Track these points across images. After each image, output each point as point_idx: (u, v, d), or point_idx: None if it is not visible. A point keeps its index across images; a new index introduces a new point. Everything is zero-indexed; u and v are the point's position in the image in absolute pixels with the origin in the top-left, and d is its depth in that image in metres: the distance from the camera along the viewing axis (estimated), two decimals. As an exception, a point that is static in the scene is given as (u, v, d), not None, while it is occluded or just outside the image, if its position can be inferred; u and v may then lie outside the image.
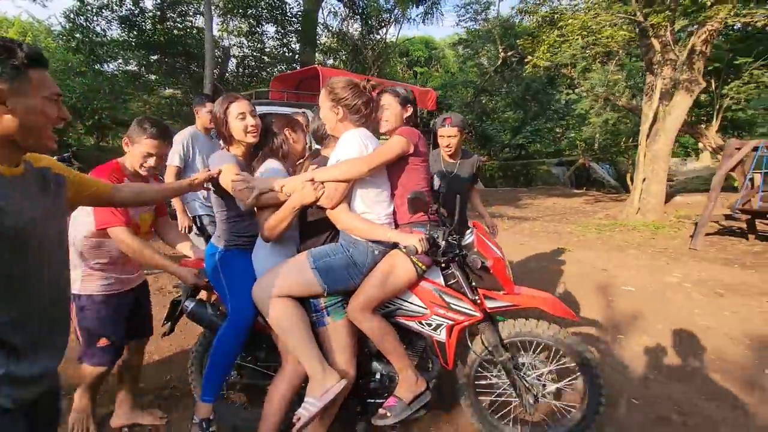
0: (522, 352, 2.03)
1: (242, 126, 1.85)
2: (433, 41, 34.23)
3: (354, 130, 1.78)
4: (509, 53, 15.53)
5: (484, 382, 2.10)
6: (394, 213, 1.88)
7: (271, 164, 1.89)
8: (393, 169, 1.84)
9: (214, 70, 15.33)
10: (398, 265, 1.76)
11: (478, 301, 1.87)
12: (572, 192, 14.91)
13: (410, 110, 2.05)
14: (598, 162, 18.26)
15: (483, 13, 15.74)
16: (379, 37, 14.99)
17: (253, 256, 1.90)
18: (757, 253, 5.87)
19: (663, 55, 7.78)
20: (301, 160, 2.16)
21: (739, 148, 6.10)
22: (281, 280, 1.72)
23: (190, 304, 1.98)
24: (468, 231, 1.98)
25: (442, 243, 1.76)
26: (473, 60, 17.83)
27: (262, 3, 13.41)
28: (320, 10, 13.61)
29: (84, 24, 14.18)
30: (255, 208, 1.79)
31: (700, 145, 14.39)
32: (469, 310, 1.86)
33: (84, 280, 1.92)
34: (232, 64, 16.07)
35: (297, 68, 13.31)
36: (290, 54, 14.06)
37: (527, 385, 1.96)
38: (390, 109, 1.98)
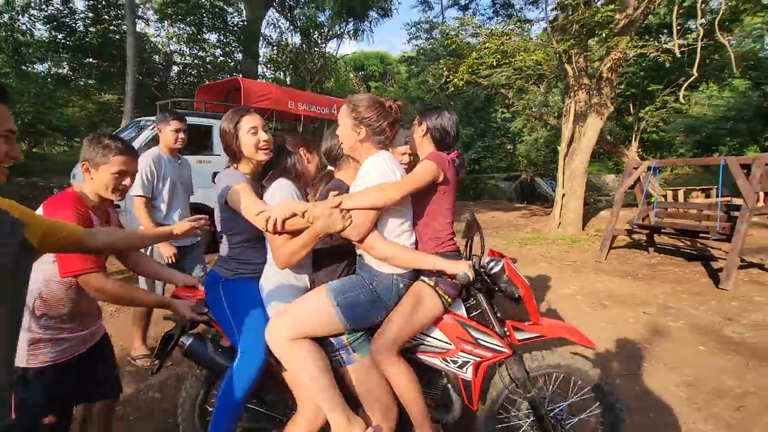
0: (543, 384, 1.89)
1: (254, 141, 1.70)
2: (388, 56, 35.06)
3: (379, 153, 1.64)
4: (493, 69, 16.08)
5: (504, 417, 1.93)
6: (415, 243, 1.73)
7: (283, 183, 1.72)
8: (419, 196, 1.70)
9: (155, 78, 14.81)
10: (425, 297, 1.64)
11: (507, 334, 1.76)
12: (513, 206, 15.56)
13: (423, 128, 1.89)
14: (542, 177, 19.29)
15: (431, 32, 16.31)
16: (322, 50, 15.05)
17: (262, 284, 1.73)
18: (652, 265, 6.36)
19: (577, 80, 8.36)
20: (313, 182, 1.98)
21: (636, 168, 6.62)
22: (299, 319, 1.55)
23: (187, 341, 1.71)
24: (489, 259, 1.83)
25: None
26: (418, 77, 18.39)
27: (203, 10, 13.14)
28: (263, 21, 13.54)
29: (7, 22, 13.22)
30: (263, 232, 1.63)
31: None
32: (498, 346, 1.72)
33: (32, 350, 1.50)
34: (174, 71, 15.53)
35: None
36: (233, 63, 13.84)
37: (553, 421, 1.82)
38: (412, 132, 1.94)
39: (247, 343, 1.60)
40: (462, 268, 1.54)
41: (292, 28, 13.65)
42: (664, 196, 9.69)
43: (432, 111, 1.88)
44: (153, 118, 6.05)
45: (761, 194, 12.68)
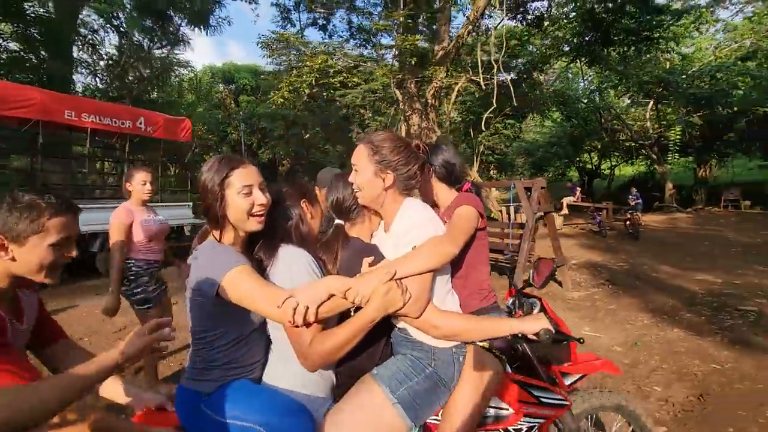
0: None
1: (246, 205, 1.25)
2: (262, 69, 33.61)
3: (413, 200, 1.40)
4: (314, 89, 15.93)
5: None
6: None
7: (295, 253, 1.29)
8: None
9: None
10: (487, 364, 1.41)
11: (557, 382, 1.60)
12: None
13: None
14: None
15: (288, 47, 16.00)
16: (149, 55, 13.28)
17: (267, 383, 1.29)
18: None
19: (410, 105, 8.77)
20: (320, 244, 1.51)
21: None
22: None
23: None
24: (529, 301, 1.72)
25: None
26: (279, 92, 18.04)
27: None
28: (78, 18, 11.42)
29: None
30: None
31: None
32: (560, 399, 1.55)
33: None
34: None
35: (44, 78, 10.76)
36: (37, 62, 11.31)
37: None
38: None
39: None
40: (543, 324, 1.33)
41: (111, 27, 11.76)
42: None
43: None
44: None
45: (565, 203, 15.20)
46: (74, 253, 1.19)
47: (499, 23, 13.77)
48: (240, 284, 1.15)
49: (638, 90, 15.59)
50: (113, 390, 1.37)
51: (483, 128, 8.38)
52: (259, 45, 7.86)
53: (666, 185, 17.36)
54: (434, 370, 1.33)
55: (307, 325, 1.12)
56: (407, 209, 1.37)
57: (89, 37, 11.65)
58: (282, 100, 7.79)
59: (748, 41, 16.02)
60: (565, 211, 13.96)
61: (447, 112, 12.95)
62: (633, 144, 19.02)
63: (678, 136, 15.86)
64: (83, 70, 12.05)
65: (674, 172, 23.25)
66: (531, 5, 12.59)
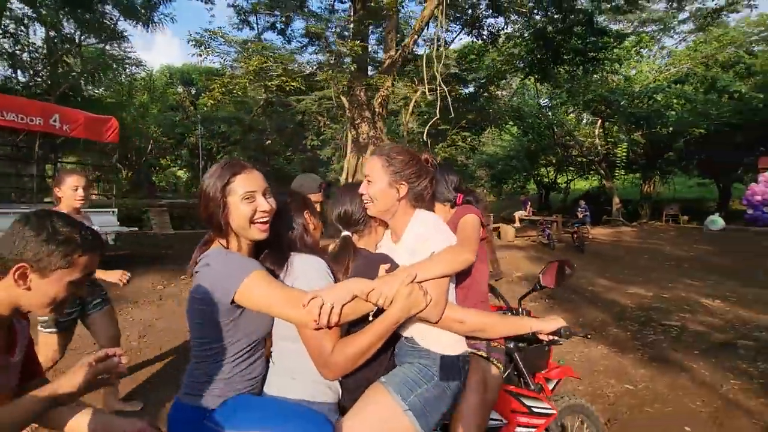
0: None
1: (249, 212, 1.18)
2: (221, 71, 32.60)
3: (424, 212, 1.43)
4: (270, 94, 15.53)
5: None
6: None
7: (309, 260, 1.25)
8: None
9: None
10: (489, 373, 1.50)
11: (543, 389, 1.70)
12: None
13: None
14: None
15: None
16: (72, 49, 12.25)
17: (272, 397, 1.23)
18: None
19: (359, 113, 8.58)
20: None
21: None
22: None
23: None
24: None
25: None
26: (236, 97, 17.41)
27: None
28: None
29: None
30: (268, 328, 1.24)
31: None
32: (547, 408, 1.62)
33: None
34: None
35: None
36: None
37: None
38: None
39: None
40: (561, 323, 1.46)
41: (34, 16, 10.80)
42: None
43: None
44: None
45: (517, 216, 15.52)
46: (84, 293, 1.22)
47: (456, 37, 14.01)
48: (259, 288, 1.13)
49: (584, 108, 16.28)
50: (81, 424, 1.20)
51: (425, 138, 8.30)
52: (190, 42, 7.39)
53: (613, 200, 18.14)
54: (443, 377, 1.35)
55: (329, 327, 1.12)
56: (421, 219, 1.41)
57: (10, 26, 10.67)
58: (212, 101, 7.37)
59: (685, 67, 17.17)
60: (517, 224, 14.23)
61: (405, 123, 12.93)
62: (584, 159, 19.82)
63: (624, 154, 16.64)
64: (3, 63, 11.01)
65: (623, 188, 24.48)
66: (485, 21, 12.91)
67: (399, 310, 1.17)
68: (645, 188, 19.96)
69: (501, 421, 1.56)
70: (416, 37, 7.15)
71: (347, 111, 8.23)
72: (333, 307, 1.08)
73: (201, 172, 24.55)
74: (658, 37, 25.32)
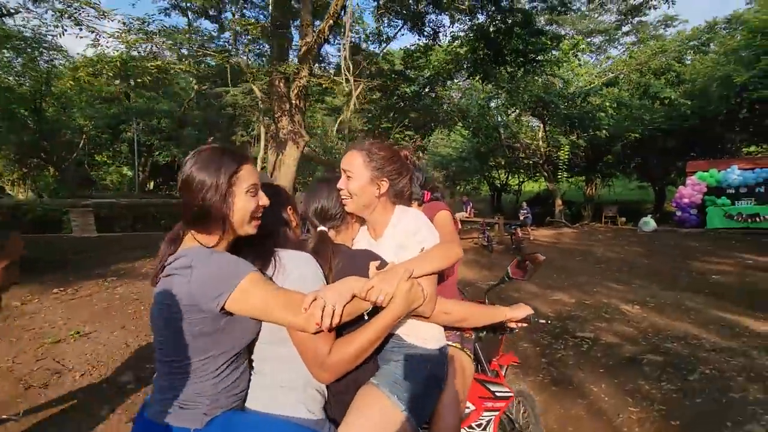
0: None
1: (252, 206, 1.13)
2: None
3: (405, 208, 1.43)
4: (204, 87, 14.40)
5: None
6: None
7: (302, 258, 1.20)
8: None
9: None
10: (464, 363, 1.56)
11: (499, 374, 1.83)
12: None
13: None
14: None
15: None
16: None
17: (267, 413, 1.13)
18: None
19: (279, 106, 7.83)
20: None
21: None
22: None
23: None
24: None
25: None
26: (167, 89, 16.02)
27: None
28: None
29: None
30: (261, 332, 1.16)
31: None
32: (507, 392, 1.73)
33: None
34: None
35: None
36: None
37: None
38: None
39: None
40: (528, 310, 1.55)
41: None
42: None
43: None
44: None
45: (458, 217, 15.34)
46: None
47: (397, 32, 13.53)
48: (255, 293, 1.04)
49: (524, 108, 16.38)
50: None
51: (363, 129, 7.72)
52: (53, 16, 6.17)
53: (556, 201, 18.43)
54: (430, 371, 1.36)
55: (330, 330, 1.09)
56: (406, 214, 1.40)
57: None
58: (72, 83, 6.37)
59: (621, 73, 17.76)
60: (458, 225, 14.01)
61: (346, 120, 12.28)
62: (530, 162, 20.07)
63: (566, 156, 16.90)
64: None
65: (569, 190, 25.17)
66: (427, 18, 12.53)
67: (400, 306, 1.18)
68: (587, 190, 20.50)
69: (470, 407, 1.63)
70: (331, 21, 6.52)
71: (260, 102, 7.46)
72: (335, 309, 1.05)
73: (138, 170, 22.65)
74: (605, 47, 26.42)
